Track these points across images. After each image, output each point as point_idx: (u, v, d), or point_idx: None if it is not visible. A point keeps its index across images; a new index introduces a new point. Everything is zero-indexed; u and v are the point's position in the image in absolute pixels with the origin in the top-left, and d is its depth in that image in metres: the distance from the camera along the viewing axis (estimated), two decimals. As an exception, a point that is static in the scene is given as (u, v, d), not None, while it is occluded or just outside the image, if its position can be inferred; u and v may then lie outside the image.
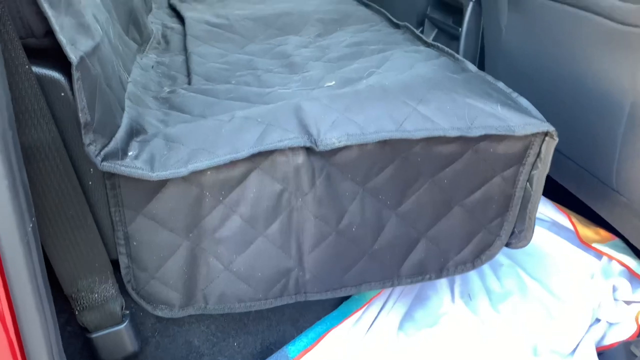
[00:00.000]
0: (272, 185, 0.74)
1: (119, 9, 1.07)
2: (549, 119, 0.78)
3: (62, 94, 0.63)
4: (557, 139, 0.77)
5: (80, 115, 0.61)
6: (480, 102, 0.79)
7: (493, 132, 0.76)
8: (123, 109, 0.79)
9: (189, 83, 1.05)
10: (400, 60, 0.98)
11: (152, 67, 1.14)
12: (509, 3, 1.30)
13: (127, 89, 0.90)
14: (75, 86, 0.60)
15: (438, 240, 0.86)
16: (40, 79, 0.62)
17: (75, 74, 0.59)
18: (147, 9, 1.43)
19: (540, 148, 0.79)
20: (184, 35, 1.29)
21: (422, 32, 1.84)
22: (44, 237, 0.66)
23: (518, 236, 0.89)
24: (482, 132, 0.75)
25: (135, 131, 0.78)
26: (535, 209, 0.84)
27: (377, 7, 1.42)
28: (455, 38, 1.61)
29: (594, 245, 1.21)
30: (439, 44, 1.09)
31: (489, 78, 0.91)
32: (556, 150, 0.79)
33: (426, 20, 1.80)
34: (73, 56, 0.59)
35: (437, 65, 0.92)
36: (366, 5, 1.48)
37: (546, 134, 0.78)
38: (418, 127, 0.74)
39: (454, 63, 0.98)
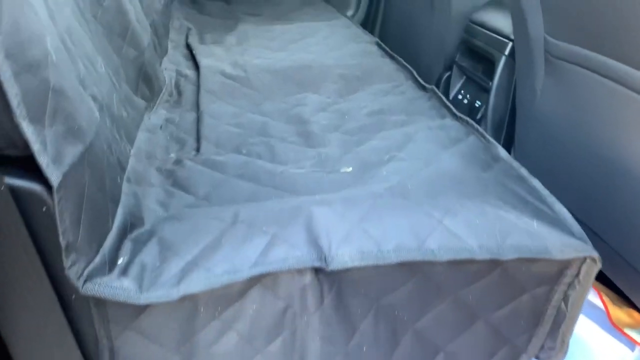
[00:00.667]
0: (275, 302, 0.66)
1: (128, 68, 1.01)
2: (580, 194, 0.69)
3: (44, 209, 0.56)
4: (600, 264, 0.68)
5: (61, 238, 0.54)
6: (513, 213, 0.70)
7: (527, 254, 0.67)
8: (118, 203, 0.72)
9: (198, 149, 0.98)
10: (424, 144, 0.89)
11: (161, 127, 1.07)
12: (545, 66, 1.21)
13: (127, 167, 0.84)
14: (57, 208, 0.53)
15: (458, 355, 0.78)
16: (18, 191, 0.55)
17: (57, 196, 0.53)
18: (162, 53, 1.37)
19: (579, 269, 0.70)
20: (198, 86, 1.23)
21: (449, 77, 1.75)
22: (18, 356, 0.60)
23: (548, 352, 0.80)
24: (515, 255, 0.66)
25: (130, 225, 0.72)
26: (570, 330, 0.75)
27: (403, 62, 1.34)
28: (485, 90, 1.52)
29: (626, 330, 1.11)
30: (467, 119, 1.00)
31: (523, 172, 0.82)
32: (587, 227, 0.70)
33: (455, 66, 1.72)
34: (55, 177, 0.52)
35: (466, 157, 0.84)
36: (391, 58, 1.40)
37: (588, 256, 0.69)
38: (443, 245, 0.66)
39: (484, 148, 0.89)
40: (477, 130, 0.96)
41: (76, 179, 0.57)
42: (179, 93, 1.22)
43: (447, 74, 1.79)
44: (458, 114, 1.04)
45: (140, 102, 1.06)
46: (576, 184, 0.84)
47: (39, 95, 0.52)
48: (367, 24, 2.44)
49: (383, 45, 1.47)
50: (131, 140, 0.93)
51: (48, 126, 0.53)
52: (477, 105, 1.57)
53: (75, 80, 0.66)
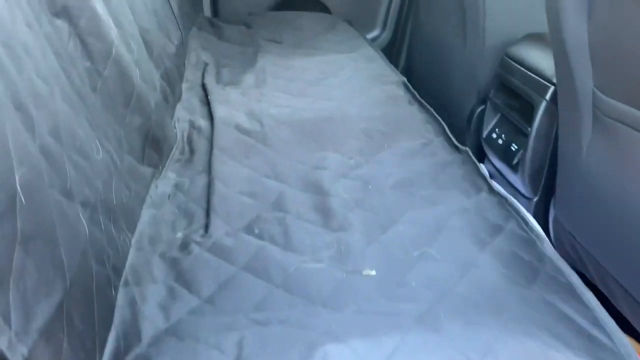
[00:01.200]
0: None
1: (132, 137, 0.93)
2: (625, 259, 0.59)
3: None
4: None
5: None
6: (562, 345, 0.60)
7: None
8: (110, 325, 0.64)
9: (206, 229, 0.90)
10: (459, 237, 0.79)
11: (169, 196, 0.99)
12: (593, 123, 1.08)
13: (125, 267, 0.76)
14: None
15: None
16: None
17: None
18: (175, 100, 1.29)
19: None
20: (211, 141, 1.14)
21: (483, 111, 1.63)
22: None
23: None
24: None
25: (125, 346, 0.64)
26: None
27: (433, 112, 1.23)
28: (522, 133, 1.40)
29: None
30: (504, 195, 0.89)
31: (574, 280, 0.71)
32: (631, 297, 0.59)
33: (489, 102, 1.59)
34: (19, 356, 0.44)
35: (506, 261, 0.73)
36: (420, 104, 1.28)
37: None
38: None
39: (527, 242, 0.79)
40: (517, 211, 0.85)
41: (50, 338, 0.49)
42: (191, 150, 1.14)
43: (480, 108, 1.67)
44: (494, 186, 0.93)
45: (147, 171, 0.98)
46: (621, 248, 0.73)
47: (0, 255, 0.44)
48: (394, 46, 2.33)
49: (410, 88, 1.36)
50: (133, 226, 0.85)
51: (13, 289, 0.45)
52: (513, 148, 1.44)
53: (58, 199, 0.58)
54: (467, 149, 1.07)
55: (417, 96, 1.31)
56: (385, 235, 0.83)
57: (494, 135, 1.57)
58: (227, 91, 1.38)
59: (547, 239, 0.79)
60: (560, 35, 1.08)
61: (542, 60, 1.35)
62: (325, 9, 2.27)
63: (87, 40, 0.82)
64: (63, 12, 0.77)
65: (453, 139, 1.11)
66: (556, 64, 1.16)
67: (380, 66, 1.53)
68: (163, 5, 1.37)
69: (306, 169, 1.05)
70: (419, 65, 2.15)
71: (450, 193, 0.91)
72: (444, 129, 1.15)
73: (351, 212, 0.90)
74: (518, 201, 1.44)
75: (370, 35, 2.31)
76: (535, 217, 1.39)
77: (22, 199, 0.48)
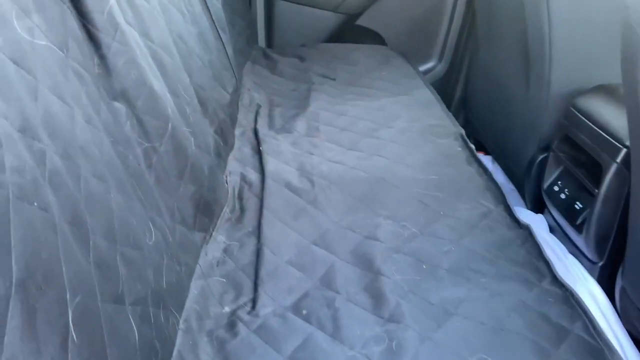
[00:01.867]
0: None
1: (184, 206, 0.93)
2: None
3: None
4: None
5: None
6: None
7: None
8: None
9: (254, 304, 0.89)
10: (518, 344, 0.74)
11: (217, 263, 0.99)
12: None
13: (174, 354, 0.76)
14: None
15: None
16: None
17: None
18: (227, 152, 1.29)
19: None
20: (261, 199, 1.13)
21: (544, 160, 1.54)
22: None
23: None
24: None
25: None
26: None
27: (492, 177, 1.17)
28: (588, 192, 1.31)
29: None
30: (571, 292, 0.83)
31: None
32: None
33: (552, 153, 1.50)
34: None
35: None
36: (478, 165, 1.22)
37: None
38: None
39: (594, 348, 0.72)
40: (584, 311, 0.79)
41: None
42: (242, 208, 1.13)
43: (541, 156, 1.58)
44: (558, 276, 0.86)
45: (197, 237, 0.98)
46: None
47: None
48: (450, 78, 2.26)
49: (468, 143, 1.30)
50: (182, 304, 0.85)
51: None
52: (577, 207, 1.36)
53: (109, 311, 0.57)
54: (529, 224, 1.00)
55: (475, 153, 1.25)
56: (439, 331, 0.78)
57: (556, 188, 1.48)
58: (278, 141, 1.36)
59: (617, 350, 0.72)
60: (636, 90, 0.99)
61: (613, 116, 1.26)
62: (380, 39, 2.23)
63: (144, 119, 0.82)
64: (121, 96, 0.78)
65: (514, 211, 1.04)
66: (630, 123, 1.08)
67: (436, 114, 1.48)
68: (219, 53, 1.38)
69: (357, 238, 1.02)
70: (476, 100, 2.08)
71: (509, 284, 0.86)
72: (503, 197, 1.09)
73: (404, 298, 0.86)
74: (581, 263, 1.36)
75: (425, 66, 2.25)
76: (599, 282, 1.30)
77: (75, 337, 0.47)
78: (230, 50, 1.48)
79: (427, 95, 1.62)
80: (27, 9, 0.59)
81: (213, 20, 1.38)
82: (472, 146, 1.28)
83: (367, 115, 1.45)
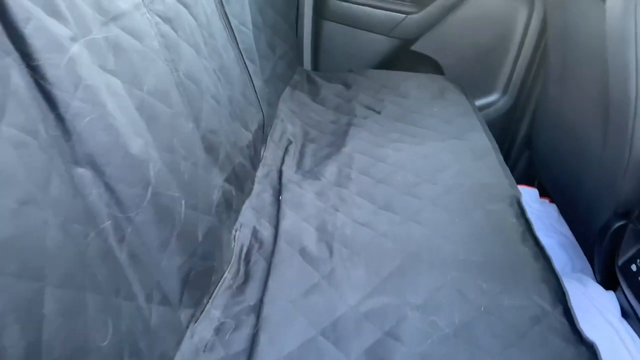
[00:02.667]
0: None
1: (167, 282, 0.78)
2: None
3: None
4: None
5: None
6: None
7: None
8: None
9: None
10: None
11: (205, 349, 0.83)
12: None
13: None
14: None
15: None
16: None
17: None
18: (243, 198, 1.14)
19: None
20: (270, 265, 0.97)
21: (620, 229, 1.29)
22: None
23: None
24: None
25: None
26: None
27: (552, 265, 0.94)
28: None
29: None
30: None
31: None
32: None
33: (630, 225, 1.25)
34: None
35: None
36: (536, 245, 1.00)
37: None
38: None
39: None
40: None
41: None
42: (247, 274, 0.98)
43: (617, 224, 1.32)
44: None
45: (184, 315, 0.83)
46: None
47: None
48: (514, 113, 2.01)
49: (525, 213, 1.07)
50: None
51: None
52: (659, 297, 1.10)
53: None
54: (594, 342, 0.78)
55: (533, 228, 1.03)
56: None
57: (634, 268, 1.23)
58: (302, 189, 1.19)
59: None
60: None
61: None
62: (436, 68, 2.02)
63: (116, 187, 0.67)
64: (86, 161, 0.64)
65: (575, 320, 0.82)
66: None
67: (491, 167, 1.26)
68: (244, 87, 1.23)
69: (375, 333, 0.83)
70: (542, 141, 1.82)
71: None
72: (563, 295, 0.87)
73: None
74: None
75: (487, 99, 2.02)
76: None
77: None
78: (259, 82, 1.33)
79: (483, 141, 1.40)
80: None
81: (240, 50, 1.24)
82: (529, 218, 1.05)
83: (410, 165, 1.26)
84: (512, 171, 2.01)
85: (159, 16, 0.88)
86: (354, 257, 0.97)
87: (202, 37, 1.03)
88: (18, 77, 0.55)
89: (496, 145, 1.40)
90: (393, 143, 1.40)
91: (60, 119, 0.59)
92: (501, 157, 1.33)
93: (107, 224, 0.67)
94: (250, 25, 1.31)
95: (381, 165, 1.27)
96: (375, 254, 0.97)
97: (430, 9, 1.90)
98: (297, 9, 1.97)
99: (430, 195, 1.13)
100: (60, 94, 0.58)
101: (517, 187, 1.18)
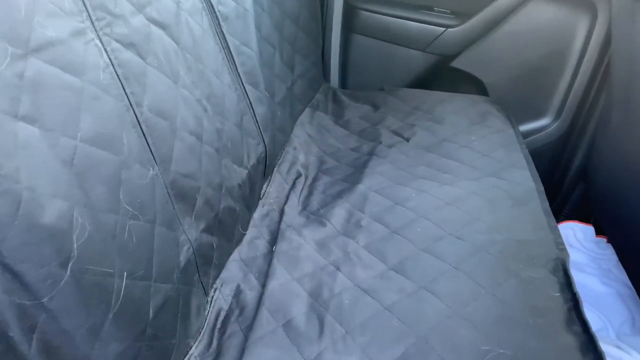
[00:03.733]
0: None
1: None
2: None
3: None
4: None
5: None
6: None
7: None
8: None
9: None
10: None
11: None
12: None
13: None
14: None
15: None
16: None
17: None
18: (231, 247, 0.97)
19: None
20: (246, 339, 0.80)
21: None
22: None
23: None
24: None
25: None
26: None
27: (601, 355, 0.72)
28: None
29: None
30: None
31: None
32: None
33: None
34: None
35: None
36: (583, 328, 0.77)
37: None
38: None
39: None
40: None
41: None
42: (218, 350, 0.81)
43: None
44: None
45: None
46: None
47: None
48: (568, 141, 1.75)
49: (573, 285, 0.85)
50: None
51: None
52: None
53: None
54: None
55: (581, 308, 0.80)
56: None
57: None
58: (302, 238, 1.02)
59: None
60: None
61: None
62: (479, 87, 1.79)
63: (18, 268, 0.52)
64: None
65: None
66: None
67: (533, 219, 1.03)
68: (242, 116, 1.07)
69: None
70: (601, 174, 1.56)
71: None
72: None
73: None
74: None
75: (537, 124, 1.77)
76: None
77: None
78: (262, 109, 1.16)
79: (526, 182, 1.17)
80: None
81: (239, 75, 1.07)
82: (577, 292, 0.83)
83: (433, 213, 1.05)
84: (563, 205, 1.75)
85: (118, 41, 0.73)
86: (348, 339, 0.78)
87: (184, 62, 0.88)
88: None
89: (541, 188, 1.17)
90: (417, 180, 1.20)
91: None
92: (547, 204, 1.10)
93: (7, 315, 0.52)
94: (254, 46, 1.15)
95: (399, 210, 1.07)
96: (376, 336, 0.78)
97: (473, 22, 1.68)
98: (324, 21, 1.80)
99: (454, 256, 0.92)
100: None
101: (564, 246, 0.96)
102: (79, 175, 0.60)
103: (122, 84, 0.71)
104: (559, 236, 0.99)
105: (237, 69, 1.07)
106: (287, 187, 1.22)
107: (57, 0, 0.63)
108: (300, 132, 1.48)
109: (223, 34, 1.05)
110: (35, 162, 0.55)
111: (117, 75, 0.71)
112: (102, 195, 0.63)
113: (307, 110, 1.60)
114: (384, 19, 1.76)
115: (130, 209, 0.67)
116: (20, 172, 0.53)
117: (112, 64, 0.70)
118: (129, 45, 0.75)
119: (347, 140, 1.49)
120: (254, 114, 1.12)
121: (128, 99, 0.72)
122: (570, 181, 1.81)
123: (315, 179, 1.27)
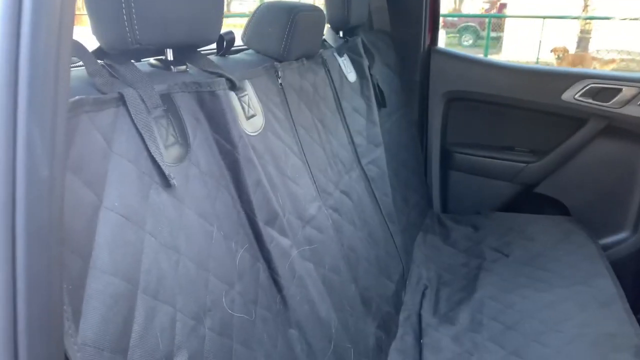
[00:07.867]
0: None
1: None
2: None
3: None
4: None
5: None
6: None
7: None
8: None
9: None
10: None
11: None
12: None
13: None
14: None
15: None
16: None
17: None
18: (390, 340, 1.39)
19: None
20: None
21: None
22: None
23: None
24: None
25: None
26: None
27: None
28: None
29: None
30: None
31: None
32: None
33: None
34: None
35: None
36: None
37: None
38: None
39: None
40: None
41: None
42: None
43: None
44: None
45: None
46: None
47: None
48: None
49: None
50: None
51: None
52: None
53: None
54: None
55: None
56: None
57: None
58: (440, 333, 1.41)
59: None
60: None
61: None
62: (562, 208, 2.16)
63: (312, 342, 0.98)
64: (296, 325, 0.96)
65: None
66: None
67: (616, 316, 1.36)
68: (386, 244, 1.53)
69: None
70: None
71: None
72: None
73: None
74: None
75: (616, 238, 2.09)
76: None
77: None
78: (399, 238, 1.63)
79: (609, 288, 1.51)
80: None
81: (383, 215, 1.56)
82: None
83: (536, 313, 1.42)
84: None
85: (331, 208, 1.23)
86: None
87: (356, 214, 1.38)
88: (263, 275, 0.90)
89: (622, 292, 1.50)
90: (520, 289, 1.57)
91: (282, 298, 0.93)
92: (627, 305, 1.43)
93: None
94: (389, 194, 1.65)
95: (509, 312, 1.45)
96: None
97: (550, 157, 2.11)
98: (426, 163, 2.31)
99: (556, 344, 1.27)
100: (285, 282, 0.92)
101: (644, 337, 1.28)
102: (328, 290, 1.07)
103: (337, 234, 1.20)
104: (639, 328, 1.32)
105: (381, 212, 1.56)
106: (418, 296, 1.64)
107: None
108: (419, 253, 1.91)
109: (372, 190, 1.55)
110: (315, 284, 1.03)
111: (334, 228, 1.20)
112: (338, 302, 1.09)
113: (421, 233, 2.05)
114: (475, 159, 2.24)
115: (349, 309, 1.13)
116: (312, 289, 1.01)
117: (331, 222, 1.20)
118: (335, 209, 1.25)
119: (457, 257, 1.90)
120: (394, 242, 1.59)
121: (339, 242, 1.20)
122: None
123: (438, 290, 1.67)
